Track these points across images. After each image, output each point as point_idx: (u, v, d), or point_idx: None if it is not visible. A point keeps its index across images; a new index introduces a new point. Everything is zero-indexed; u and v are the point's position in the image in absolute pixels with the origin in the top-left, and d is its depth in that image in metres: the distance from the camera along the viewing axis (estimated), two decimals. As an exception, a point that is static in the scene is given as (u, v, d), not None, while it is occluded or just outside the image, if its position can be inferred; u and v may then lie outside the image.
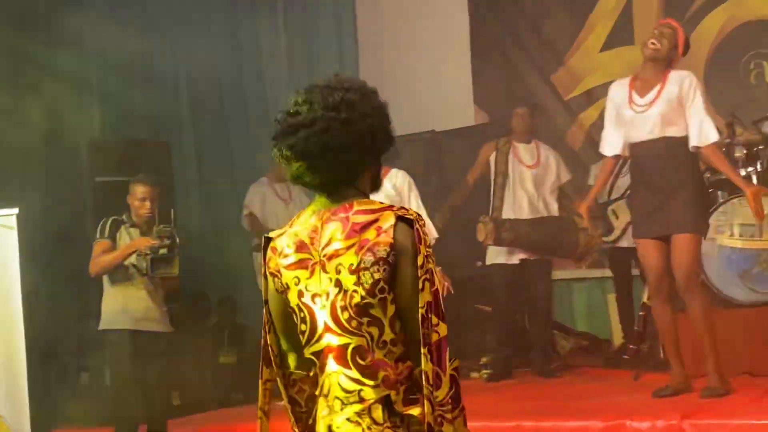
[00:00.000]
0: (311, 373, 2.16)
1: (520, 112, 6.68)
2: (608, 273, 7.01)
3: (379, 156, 2.21)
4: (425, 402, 2.01)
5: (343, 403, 2.08)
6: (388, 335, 2.08)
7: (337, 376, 2.08)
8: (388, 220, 2.08)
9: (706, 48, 7.39)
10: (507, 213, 6.47)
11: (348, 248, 2.08)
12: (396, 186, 5.48)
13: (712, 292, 5.66)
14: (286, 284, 2.14)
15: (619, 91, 4.99)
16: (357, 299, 2.06)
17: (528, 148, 6.60)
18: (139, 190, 5.44)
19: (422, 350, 2.01)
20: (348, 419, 2.06)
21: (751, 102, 6.61)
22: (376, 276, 2.06)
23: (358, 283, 2.06)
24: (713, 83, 7.15)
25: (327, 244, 2.11)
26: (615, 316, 6.97)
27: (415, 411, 2.07)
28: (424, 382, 2.01)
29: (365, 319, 2.07)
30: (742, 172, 5.79)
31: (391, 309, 2.08)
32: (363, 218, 2.10)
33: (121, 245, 5.37)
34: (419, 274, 2.04)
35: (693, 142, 4.82)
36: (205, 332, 6.91)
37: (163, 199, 5.71)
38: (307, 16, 8.71)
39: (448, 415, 2.02)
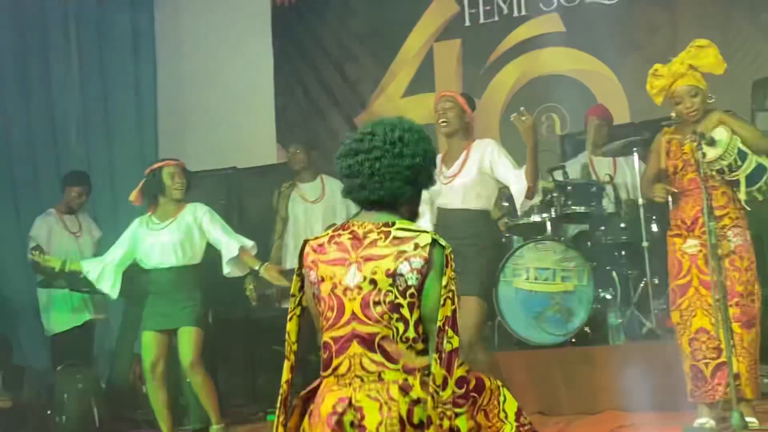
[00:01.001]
0: (325, 356, 2.51)
1: (292, 150, 6.66)
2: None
3: (419, 191, 2.66)
4: (430, 398, 2.39)
5: (362, 381, 2.45)
6: (411, 333, 2.48)
7: (360, 357, 2.46)
8: (425, 240, 2.51)
9: (501, 100, 7.69)
10: (286, 262, 6.40)
11: (387, 255, 2.49)
12: (197, 218, 5.46)
13: (508, 333, 5.82)
14: (321, 277, 2.54)
15: None
16: (391, 298, 2.47)
17: (312, 185, 6.58)
18: None
19: (434, 355, 2.42)
20: (368, 395, 2.44)
21: (543, 152, 6.89)
22: (410, 282, 2.47)
23: (393, 285, 2.47)
24: (508, 134, 7.41)
25: (366, 249, 2.52)
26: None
27: (427, 396, 2.42)
28: (431, 382, 2.41)
29: (395, 315, 2.47)
30: (538, 218, 6.02)
31: (416, 313, 2.49)
32: (403, 234, 2.53)
33: None
34: (443, 293, 2.45)
35: (518, 203, 4.85)
36: (-22, 374, 6.39)
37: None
38: (103, 48, 8.38)
39: (449, 413, 2.40)
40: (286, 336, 2.62)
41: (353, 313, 2.47)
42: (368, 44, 8.19)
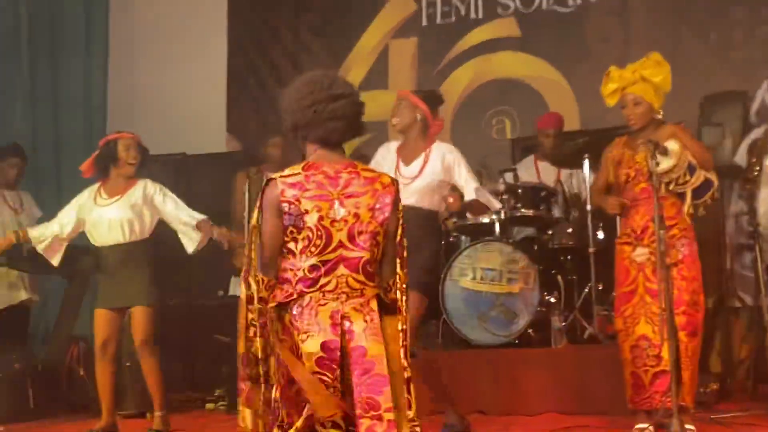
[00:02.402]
0: (312, 275, 2.95)
1: (275, 141, 6.62)
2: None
3: None
4: (401, 298, 3.06)
5: (348, 296, 2.96)
6: (379, 255, 3.05)
7: (346, 278, 2.97)
8: (387, 179, 3.10)
9: (454, 100, 7.72)
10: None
11: (365, 193, 3.02)
12: (147, 195, 5.46)
13: (452, 332, 5.86)
14: (305, 210, 2.96)
15: (386, 155, 4.96)
16: (371, 228, 3.01)
17: None
18: None
19: (397, 261, 3.07)
20: (354, 308, 2.96)
21: (494, 154, 6.96)
22: (386, 215, 3.04)
23: (372, 217, 3.01)
24: (460, 134, 7.47)
25: (344, 187, 3.01)
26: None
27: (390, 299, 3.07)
28: (399, 285, 3.07)
29: (373, 242, 3.01)
30: (486, 219, 6.06)
31: (385, 239, 3.05)
32: (370, 174, 3.08)
33: None
34: (399, 215, 3.08)
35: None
36: None
37: None
38: (54, 28, 8.21)
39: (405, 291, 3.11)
40: (251, 261, 3.02)
41: (340, 242, 2.96)
42: (324, 38, 8.17)
